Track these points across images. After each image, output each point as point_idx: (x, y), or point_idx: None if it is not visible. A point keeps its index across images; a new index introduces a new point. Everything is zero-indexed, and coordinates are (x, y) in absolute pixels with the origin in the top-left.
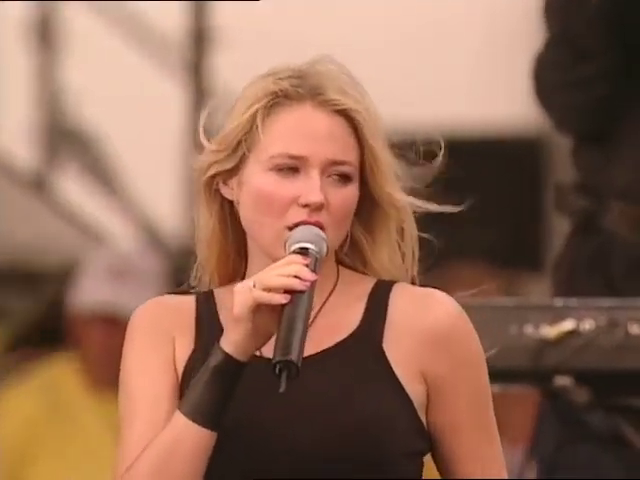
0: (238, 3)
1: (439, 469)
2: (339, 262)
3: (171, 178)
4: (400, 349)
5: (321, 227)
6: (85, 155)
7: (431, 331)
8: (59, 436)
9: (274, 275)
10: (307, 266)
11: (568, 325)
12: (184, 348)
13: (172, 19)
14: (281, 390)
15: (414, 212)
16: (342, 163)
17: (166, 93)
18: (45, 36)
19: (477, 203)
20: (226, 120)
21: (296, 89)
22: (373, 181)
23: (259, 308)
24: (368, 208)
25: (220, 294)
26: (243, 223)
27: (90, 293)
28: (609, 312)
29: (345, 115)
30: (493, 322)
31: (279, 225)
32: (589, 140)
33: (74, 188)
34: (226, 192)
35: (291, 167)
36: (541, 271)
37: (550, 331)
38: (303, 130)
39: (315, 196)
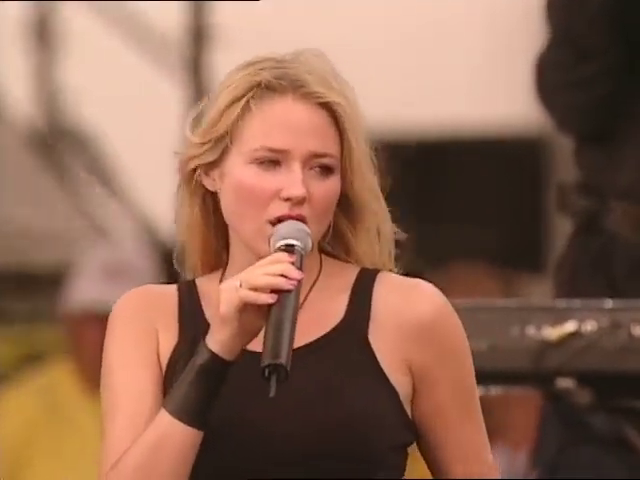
0: (237, 2)
1: (426, 459)
2: (321, 251)
3: (169, 177)
4: (385, 341)
5: (303, 221)
6: (83, 154)
7: (416, 322)
8: (56, 437)
9: (260, 274)
10: (293, 264)
11: (570, 327)
12: (167, 340)
13: (171, 18)
14: (271, 395)
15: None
16: (324, 155)
17: (165, 92)
18: (43, 35)
19: (478, 203)
20: (208, 111)
21: (278, 81)
22: (349, 179)
23: (245, 307)
24: (349, 197)
25: (202, 283)
26: (224, 215)
27: (85, 292)
28: (611, 313)
29: (327, 107)
30: (494, 323)
31: (260, 218)
32: (591, 140)
33: (72, 186)
34: (208, 183)
35: (272, 160)
36: (542, 272)
37: (552, 332)
38: (284, 123)
39: (297, 190)
